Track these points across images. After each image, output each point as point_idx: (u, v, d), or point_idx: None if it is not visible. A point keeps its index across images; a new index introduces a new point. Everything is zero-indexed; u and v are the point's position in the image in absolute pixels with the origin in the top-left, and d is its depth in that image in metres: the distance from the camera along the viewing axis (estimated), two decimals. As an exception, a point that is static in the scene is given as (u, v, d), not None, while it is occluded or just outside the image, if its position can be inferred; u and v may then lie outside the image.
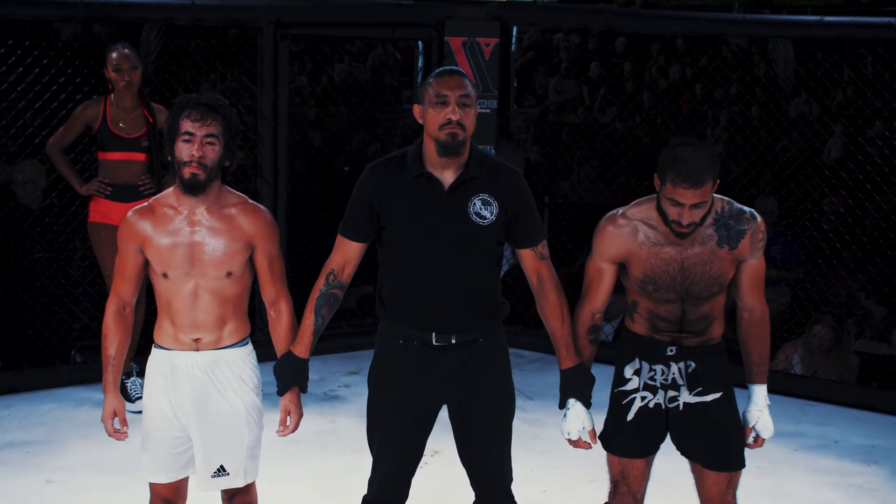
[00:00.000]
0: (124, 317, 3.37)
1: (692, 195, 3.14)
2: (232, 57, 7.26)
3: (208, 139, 3.21)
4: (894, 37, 5.79)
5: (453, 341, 3.31)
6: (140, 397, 4.97)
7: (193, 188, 3.25)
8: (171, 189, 3.34)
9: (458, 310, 3.29)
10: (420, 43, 6.67)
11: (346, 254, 3.35)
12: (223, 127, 3.24)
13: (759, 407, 3.42)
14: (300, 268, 6.18)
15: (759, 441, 3.44)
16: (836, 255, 6.43)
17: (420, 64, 6.72)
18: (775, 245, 6.65)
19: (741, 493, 3.48)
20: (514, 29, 6.68)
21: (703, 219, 3.23)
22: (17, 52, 5.84)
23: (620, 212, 3.37)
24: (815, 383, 5.98)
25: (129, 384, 5.43)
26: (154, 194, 3.79)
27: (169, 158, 3.28)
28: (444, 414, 3.43)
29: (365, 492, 3.50)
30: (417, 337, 3.32)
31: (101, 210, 5.39)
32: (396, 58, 10.06)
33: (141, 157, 5.40)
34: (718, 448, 3.40)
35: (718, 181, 3.21)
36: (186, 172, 3.22)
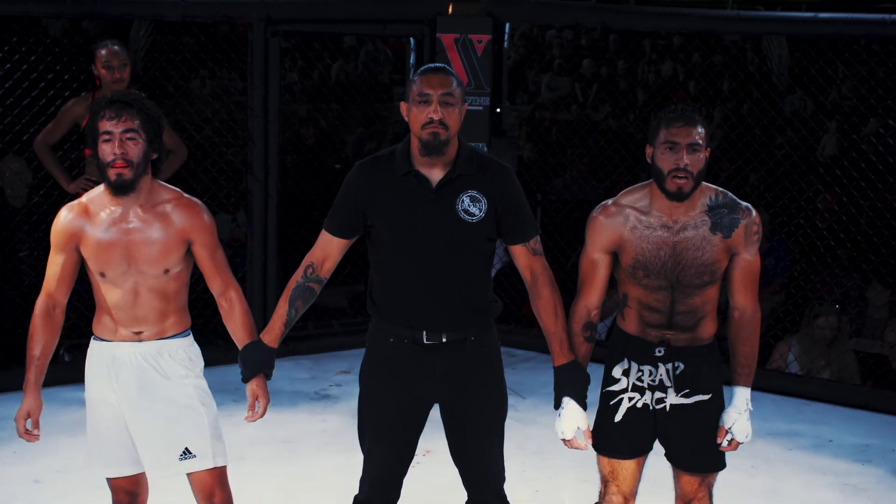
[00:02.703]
0: (53, 317, 3.29)
1: (686, 132, 3.18)
2: (222, 53, 7.22)
3: (128, 135, 3.15)
4: (889, 33, 5.77)
5: (444, 340, 3.27)
6: None
7: (122, 188, 3.18)
8: (102, 187, 3.26)
9: (448, 308, 3.25)
10: (412, 39, 6.63)
11: (328, 249, 3.32)
12: (142, 121, 3.17)
13: (738, 409, 3.33)
14: (291, 266, 6.10)
15: (733, 444, 3.35)
16: (831, 253, 6.41)
17: (412, 61, 6.68)
18: (767, 243, 6.62)
19: (735, 494, 3.46)
20: (507, 25, 6.65)
21: (699, 176, 3.19)
22: (5, 48, 5.80)
23: (611, 201, 3.35)
24: (809, 382, 5.96)
25: None
26: None
27: (96, 163, 3.22)
28: (436, 413, 3.40)
29: (356, 492, 3.46)
30: (408, 336, 3.28)
31: (89, 208, 5.33)
32: (387, 55, 10.02)
33: None
34: (695, 450, 3.36)
35: (710, 151, 3.23)
36: (112, 174, 3.16)
